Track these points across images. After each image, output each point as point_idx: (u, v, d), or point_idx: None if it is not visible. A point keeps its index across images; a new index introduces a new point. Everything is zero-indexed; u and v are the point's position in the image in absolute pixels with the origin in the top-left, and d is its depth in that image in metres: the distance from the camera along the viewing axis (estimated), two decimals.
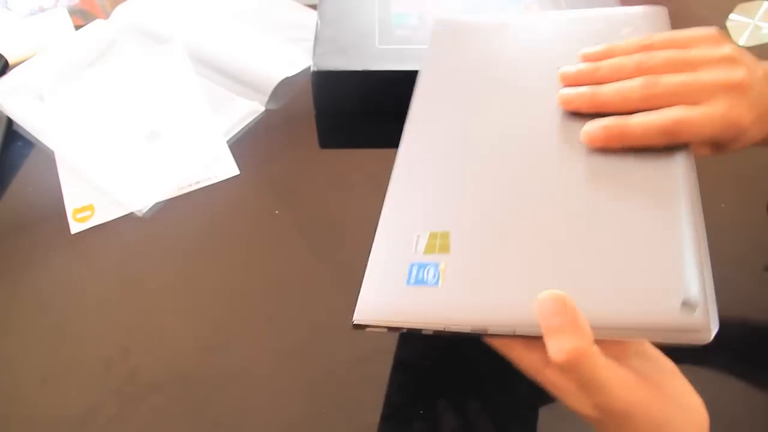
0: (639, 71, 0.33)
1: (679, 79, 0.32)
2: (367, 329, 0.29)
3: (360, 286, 0.31)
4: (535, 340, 0.26)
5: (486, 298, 0.28)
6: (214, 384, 0.40)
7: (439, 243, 0.31)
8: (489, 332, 0.27)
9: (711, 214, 0.49)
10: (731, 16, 0.63)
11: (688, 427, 0.27)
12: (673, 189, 0.29)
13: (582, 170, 0.31)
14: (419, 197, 0.34)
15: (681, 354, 0.41)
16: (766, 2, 0.64)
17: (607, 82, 0.33)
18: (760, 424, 0.38)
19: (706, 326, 0.23)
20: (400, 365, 0.40)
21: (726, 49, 0.33)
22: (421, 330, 0.28)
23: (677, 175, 0.30)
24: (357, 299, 0.30)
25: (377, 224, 0.34)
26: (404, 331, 0.28)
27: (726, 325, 0.42)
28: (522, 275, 0.28)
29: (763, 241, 0.48)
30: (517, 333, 0.26)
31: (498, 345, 0.29)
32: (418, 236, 0.31)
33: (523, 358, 0.28)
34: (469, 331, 0.27)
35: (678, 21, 0.66)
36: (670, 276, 0.26)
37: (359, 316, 0.29)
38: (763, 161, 0.52)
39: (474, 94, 0.38)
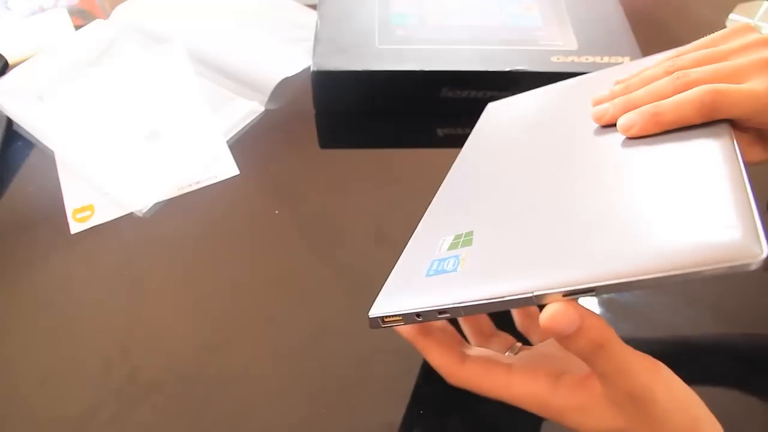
0: (668, 74, 0.32)
1: (711, 68, 0.31)
2: (384, 324, 0.28)
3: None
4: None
5: (503, 269, 0.26)
6: (214, 384, 0.40)
7: (463, 240, 0.30)
8: (506, 299, 0.25)
9: None
10: (731, 16, 0.63)
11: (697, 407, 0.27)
12: (710, 155, 0.27)
13: (612, 158, 0.31)
14: (450, 212, 0.35)
15: (679, 354, 0.41)
16: (766, 2, 0.64)
17: None
18: (759, 424, 0.38)
19: (753, 247, 0.21)
20: (400, 365, 0.40)
21: (755, 36, 0.32)
22: (437, 313, 0.27)
23: (715, 148, 0.27)
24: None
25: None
26: (420, 319, 0.27)
27: (726, 325, 0.43)
28: (542, 245, 0.26)
29: None
30: (535, 295, 0.24)
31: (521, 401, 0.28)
32: (444, 239, 0.31)
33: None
34: (484, 302, 0.25)
35: (678, 21, 0.66)
36: (706, 208, 0.24)
37: (374, 310, 0.29)
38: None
39: (516, 139, 0.40)
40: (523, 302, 0.24)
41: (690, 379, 0.27)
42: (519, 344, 0.34)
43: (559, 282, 0.23)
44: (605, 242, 0.24)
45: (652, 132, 0.30)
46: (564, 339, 0.24)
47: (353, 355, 0.41)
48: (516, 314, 0.37)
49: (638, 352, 0.26)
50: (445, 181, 0.40)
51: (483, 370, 0.29)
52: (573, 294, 0.23)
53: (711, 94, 0.28)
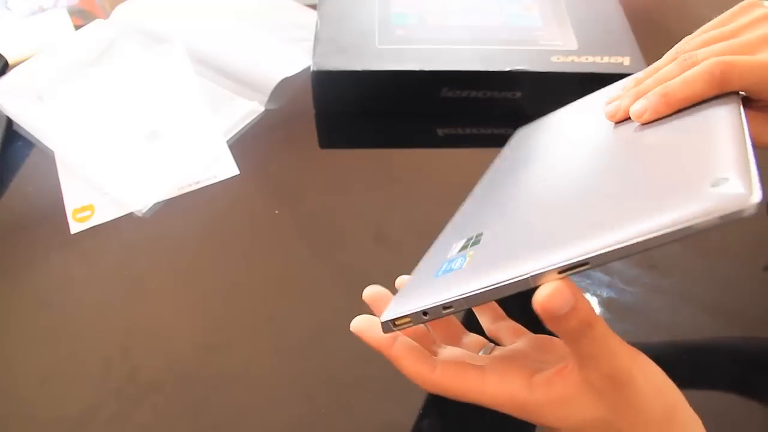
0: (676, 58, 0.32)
1: (719, 46, 0.30)
2: (396, 327, 0.28)
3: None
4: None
5: (503, 259, 0.26)
6: (214, 384, 0.40)
7: (473, 241, 0.30)
8: (504, 284, 0.24)
9: None
10: None
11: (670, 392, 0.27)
12: (710, 120, 0.27)
13: (618, 147, 0.31)
14: (465, 222, 0.35)
15: (679, 354, 0.41)
16: (766, 1, 0.64)
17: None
18: (759, 424, 0.38)
19: (743, 194, 0.20)
20: None
21: (761, 11, 0.32)
22: (442, 308, 0.26)
23: (718, 113, 0.27)
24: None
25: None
26: (427, 317, 0.27)
27: (725, 326, 0.43)
28: (539, 233, 0.26)
29: (763, 241, 0.48)
30: (531, 276, 0.23)
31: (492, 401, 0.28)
32: (456, 244, 0.32)
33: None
34: (484, 290, 0.25)
35: (678, 21, 0.66)
36: (698, 165, 0.23)
37: (385, 314, 0.29)
38: (763, 161, 0.52)
39: (533, 152, 0.40)
40: (520, 285, 0.24)
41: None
42: (491, 344, 0.34)
43: (552, 261, 0.23)
44: (596, 217, 0.24)
45: (664, 113, 0.30)
46: (556, 319, 0.24)
47: (353, 355, 0.41)
48: (484, 319, 0.36)
49: (619, 337, 0.25)
50: (465, 201, 0.40)
51: (456, 374, 0.28)
52: (567, 270, 0.23)
53: (720, 65, 0.28)
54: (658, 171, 0.25)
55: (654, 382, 0.26)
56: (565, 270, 0.23)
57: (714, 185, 0.21)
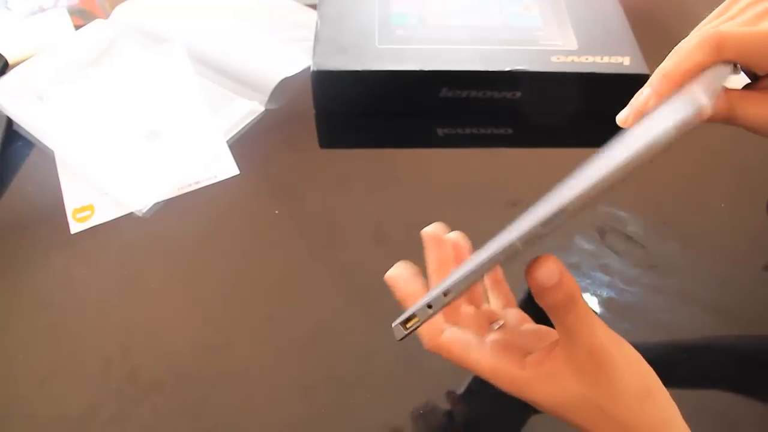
0: None
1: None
2: (407, 329, 0.29)
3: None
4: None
5: (496, 240, 0.27)
6: (214, 384, 0.40)
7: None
8: (493, 256, 0.25)
9: (711, 214, 0.49)
10: None
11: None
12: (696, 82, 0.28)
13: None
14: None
15: (679, 353, 0.41)
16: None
17: None
18: (760, 424, 0.38)
19: (695, 105, 0.21)
20: (399, 364, 0.40)
21: None
22: (443, 295, 0.27)
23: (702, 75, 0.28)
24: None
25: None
26: (431, 309, 0.28)
27: (726, 325, 0.43)
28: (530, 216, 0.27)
29: (763, 241, 0.48)
30: (518, 238, 0.25)
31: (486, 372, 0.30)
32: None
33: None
34: (476, 267, 0.26)
35: (678, 21, 0.66)
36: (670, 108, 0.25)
37: (397, 320, 0.29)
38: (763, 161, 0.52)
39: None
40: (509, 253, 0.25)
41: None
42: (501, 321, 0.35)
43: (535, 222, 0.24)
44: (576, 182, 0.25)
45: (668, 92, 0.30)
46: (545, 291, 0.26)
47: (353, 355, 0.41)
48: (495, 304, 0.38)
49: (601, 320, 0.27)
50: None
51: (460, 341, 0.30)
52: (548, 223, 0.24)
53: (714, 34, 0.29)
54: (638, 131, 0.26)
55: (632, 364, 0.28)
56: (547, 223, 0.24)
57: (672, 108, 0.22)
